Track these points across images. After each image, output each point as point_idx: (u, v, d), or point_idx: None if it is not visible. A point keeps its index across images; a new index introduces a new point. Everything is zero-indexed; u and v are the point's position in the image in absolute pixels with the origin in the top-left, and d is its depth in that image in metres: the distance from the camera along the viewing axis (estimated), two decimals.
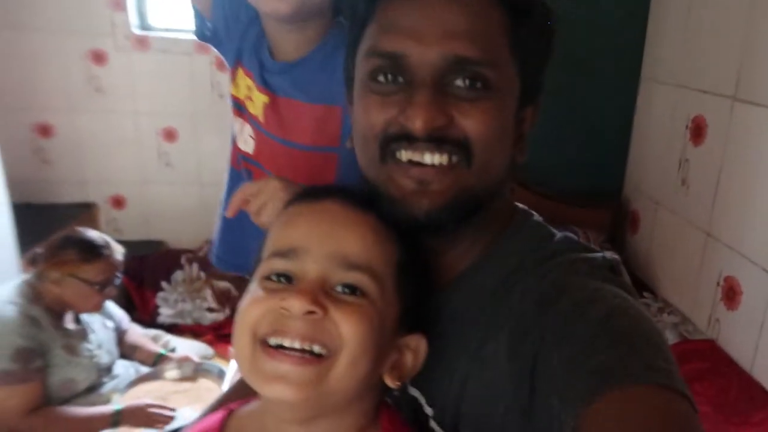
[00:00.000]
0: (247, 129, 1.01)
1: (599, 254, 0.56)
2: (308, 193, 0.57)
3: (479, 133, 0.53)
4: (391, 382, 0.53)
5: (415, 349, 0.54)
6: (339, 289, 0.50)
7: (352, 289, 0.50)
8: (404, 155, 0.53)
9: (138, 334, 1.83)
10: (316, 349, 0.47)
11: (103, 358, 1.60)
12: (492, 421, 0.53)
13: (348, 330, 0.47)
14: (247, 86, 0.98)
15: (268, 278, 0.51)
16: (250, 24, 0.97)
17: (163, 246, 2.52)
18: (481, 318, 0.56)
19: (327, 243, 0.50)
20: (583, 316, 0.48)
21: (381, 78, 0.54)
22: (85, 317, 1.60)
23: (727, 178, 1.69)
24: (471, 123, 0.52)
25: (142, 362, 1.74)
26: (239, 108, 1.02)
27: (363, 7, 0.57)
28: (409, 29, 0.52)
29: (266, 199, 0.72)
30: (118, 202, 2.53)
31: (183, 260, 2.33)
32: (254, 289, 0.51)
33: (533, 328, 0.51)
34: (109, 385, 1.60)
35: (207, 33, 1.02)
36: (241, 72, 0.99)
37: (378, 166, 0.55)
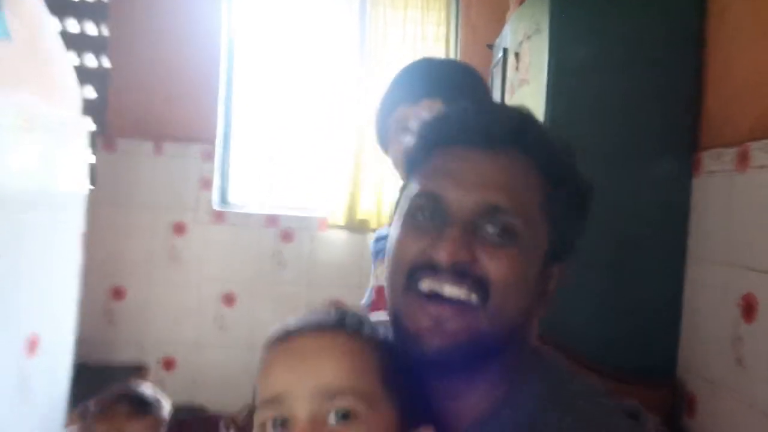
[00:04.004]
0: None
1: (620, 403, 0.57)
2: (281, 336, 0.59)
3: (499, 276, 0.55)
4: None
5: None
6: (332, 420, 0.51)
7: (345, 416, 0.52)
8: (426, 284, 0.56)
9: None
10: None
11: None
12: None
13: None
14: None
15: (263, 427, 0.54)
16: None
17: (203, 411, 2.51)
18: None
19: (308, 382, 0.53)
20: None
21: (420, 216, 0.59)
22: None
23: None
24: (493, 265, 0.55)
25: None
26: None
27: (419, 155, 0.63)
28: (450, 175, 0.58)
29: None
30: (168, 364, 2.60)
31: (221, 426, 2.30)
32: None
33: None
34: None
35: None
36: None
37: (401, 294, 0.58)
